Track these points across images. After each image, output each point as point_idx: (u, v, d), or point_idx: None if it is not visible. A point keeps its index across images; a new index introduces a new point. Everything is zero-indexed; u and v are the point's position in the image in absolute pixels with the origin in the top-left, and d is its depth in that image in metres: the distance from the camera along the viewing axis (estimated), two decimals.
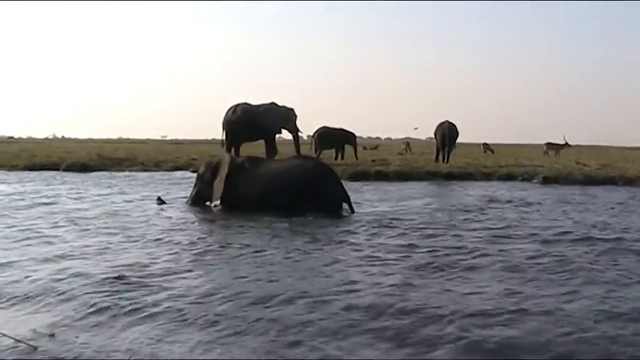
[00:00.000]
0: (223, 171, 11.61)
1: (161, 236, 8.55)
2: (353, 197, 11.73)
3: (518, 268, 6.71)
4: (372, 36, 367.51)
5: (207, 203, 11.86)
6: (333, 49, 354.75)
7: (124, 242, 8.12)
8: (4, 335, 4.34)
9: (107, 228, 9.25)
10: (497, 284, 6.05)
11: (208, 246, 7.91)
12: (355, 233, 9.01)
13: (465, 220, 10.61)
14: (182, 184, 16.69)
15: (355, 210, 11.22)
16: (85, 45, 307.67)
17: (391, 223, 9.97)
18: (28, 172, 21.41)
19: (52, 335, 4.44)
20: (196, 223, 10.12)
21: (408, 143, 49.35)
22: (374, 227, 9.50)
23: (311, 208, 10.68)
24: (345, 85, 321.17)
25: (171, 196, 13.72)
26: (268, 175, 11.32)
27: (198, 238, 8.46)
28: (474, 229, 9.49)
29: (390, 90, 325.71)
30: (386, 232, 9.08)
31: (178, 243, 8.06)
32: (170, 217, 10.56)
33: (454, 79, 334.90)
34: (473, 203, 13.16)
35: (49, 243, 8.00)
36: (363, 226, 9.63)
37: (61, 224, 9.58)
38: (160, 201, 12.61)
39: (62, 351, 4.18)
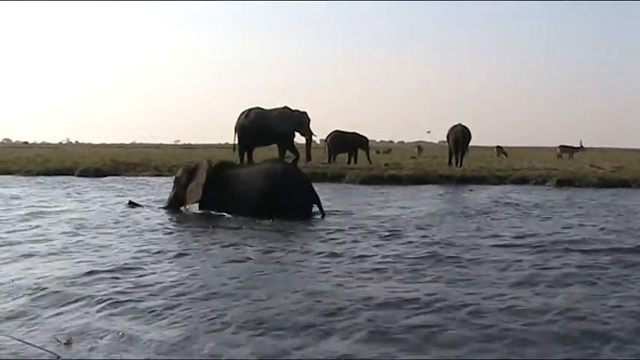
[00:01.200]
0: (201, 175, 11.77)
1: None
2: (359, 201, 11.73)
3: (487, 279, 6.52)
4: (384, 39, 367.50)
5: (182, 208, 12.08)
6: (346, 53, 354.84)
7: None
8: (27, 344, 4.38)
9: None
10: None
11: (158, 252, 7.94)
12: (317, 238, 9.09)
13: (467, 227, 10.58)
14: None
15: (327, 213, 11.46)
16: (99, 51, 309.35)
17: (354, 227, 10.00)
18: (41, 177, 21.56)
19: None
20: (159, 226, 10.19)
21: (419, 147, 49.36)
22: (336, 231, 9.55)
23: (283, 211, 10.84)
24: (358, 89, 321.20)
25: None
26: (241, 179, 11.55)
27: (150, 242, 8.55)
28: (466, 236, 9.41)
29: (402, 93, 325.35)
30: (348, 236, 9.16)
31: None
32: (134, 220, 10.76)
33: (467, 81, 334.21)
34: (476, 207, 13.22)
35: None
36: (330, 231, 9.67)
37: None
38: (132, 204, 12.81)
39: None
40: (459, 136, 26.27)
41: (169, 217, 11.31)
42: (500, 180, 20.46)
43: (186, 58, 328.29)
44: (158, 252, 7.80)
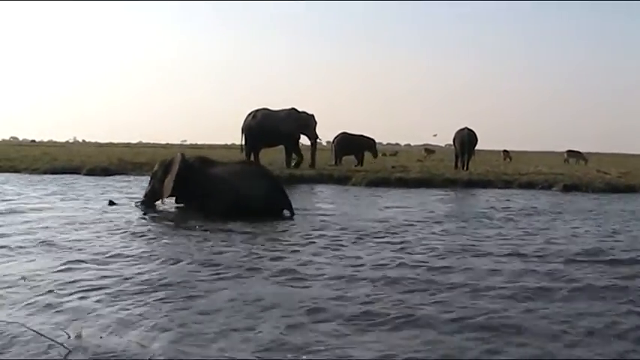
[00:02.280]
0: (174, 169, 11.84)
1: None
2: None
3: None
4: (393, 41, 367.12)
5: (158, 202, 12.18)
6: (354, 55, 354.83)
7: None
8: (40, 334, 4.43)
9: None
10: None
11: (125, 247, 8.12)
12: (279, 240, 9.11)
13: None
14: None
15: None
16: (107, 51, 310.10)
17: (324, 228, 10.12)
18: (47, 175, 21.60)
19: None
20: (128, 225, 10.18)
21: (427, 149, 49.44)
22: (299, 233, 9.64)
23: (253, 211, 11.03)
24: (365, 91, 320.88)
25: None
26: (214, 177, 11.68)
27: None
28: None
29: (409, 96, 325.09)
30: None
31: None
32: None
33: (475, 85, 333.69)
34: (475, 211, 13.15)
35: None
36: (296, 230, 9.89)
37: None
38: (111, 203, 12.94)
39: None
40: (465, 139, 26.22)
41: (141, 216, 11.36)
42: (506, 184, 20.40)
43: (195, 58, 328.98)
44: (116, 254, 7.65)
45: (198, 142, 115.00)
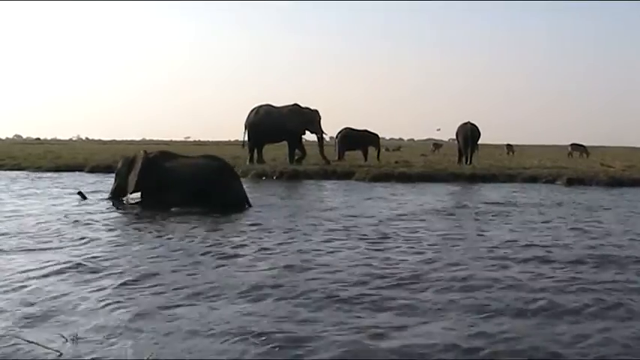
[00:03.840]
0: (137, 166, 12.23)
1: None
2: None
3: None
4: (395, 35, 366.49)
5: (123, 198, 12.58)
6: (356, 50, 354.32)
7: None
8: (31, 343, 4.38)
9: None
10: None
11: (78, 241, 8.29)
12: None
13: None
14: None
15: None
16: (111, 48, 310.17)
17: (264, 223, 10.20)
18: (51, 173, 21.68)
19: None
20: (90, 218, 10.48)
21: (435, 144, 49.59)
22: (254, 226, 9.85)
23: (214, 204, 11.40)
24: (368, 86, 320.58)
25: None
26: (176, 171, 12.02)
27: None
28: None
29: (413, 90, 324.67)
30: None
31: None
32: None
33: (478, 79, 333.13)
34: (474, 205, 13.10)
35: None
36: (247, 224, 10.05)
37: None
38: (82, 196, 13.19)
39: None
40: (469, 134, 26.16)
41: (105, 210, 11.67)
42: (510, 178, 20.34)
43: (198, 55, 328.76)
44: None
45: (202, 139, 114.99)
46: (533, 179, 20.18)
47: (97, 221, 10.06)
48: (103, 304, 5.31)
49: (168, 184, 11.80)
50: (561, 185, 19.03)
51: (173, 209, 11.20)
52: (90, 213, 11.01)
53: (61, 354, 4.19)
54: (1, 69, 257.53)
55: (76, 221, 9.92)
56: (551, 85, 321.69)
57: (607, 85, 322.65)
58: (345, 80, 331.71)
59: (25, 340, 4.36)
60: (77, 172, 21.93)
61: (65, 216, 10.54)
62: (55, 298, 5.47)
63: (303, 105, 24.52)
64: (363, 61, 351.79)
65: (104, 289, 5.79)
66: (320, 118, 24.73)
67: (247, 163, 23.69)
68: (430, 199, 14.33)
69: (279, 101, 24.59)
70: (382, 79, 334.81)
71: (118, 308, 5.20)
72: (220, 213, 10.98)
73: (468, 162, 25.78)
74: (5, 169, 23.24)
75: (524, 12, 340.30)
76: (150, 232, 9.06)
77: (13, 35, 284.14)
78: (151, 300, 5.47)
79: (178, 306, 5.30)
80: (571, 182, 19.28)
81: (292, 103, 24.52)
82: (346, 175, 20.49)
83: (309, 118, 24.36)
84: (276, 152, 27.96)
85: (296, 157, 24.15)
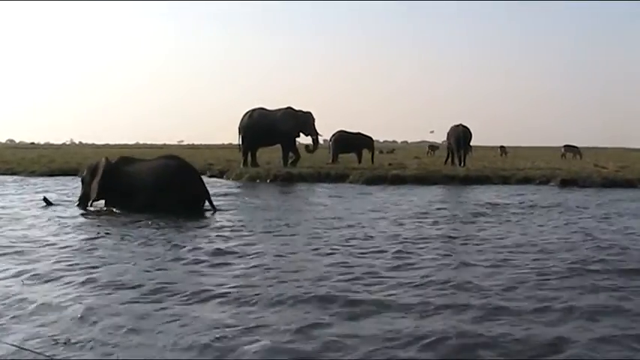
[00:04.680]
0: (98, 173, 12.32)
1: None
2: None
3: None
4: (388, 38, 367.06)
5: (89, 205, 12.59)
6: (350, 52, 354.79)
7: None
8: (19, 348, 4.34)
9: None
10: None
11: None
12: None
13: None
14: None
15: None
16: (103, 52, 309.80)
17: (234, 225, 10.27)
18: (44, 177, 21.64)
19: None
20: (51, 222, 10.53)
21: (431, 146, 49.81)
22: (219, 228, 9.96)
23: (175, 206, 11.46)
24: (361, 88, 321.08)
25: None
26: (135, 174, 12.07)
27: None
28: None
29: (405, 93, 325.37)
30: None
31: None
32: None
33: (471, 81, 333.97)
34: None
35: None
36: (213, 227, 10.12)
37: None
38: (47, 202, 13.12)
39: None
40: (461, 136, 26.33)
41: (69, 215, 11.63)
42: (504, 180, 20.34)
43: (191, 59, 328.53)
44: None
45: (196, 142, 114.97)
46: (527, 180, 20.19)
47: (47, 225, 10.12)
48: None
49: (130, 188, 11.84)
50: (555, 186, 19.05)
51: (135, 213, 11.15)
52: (50, 219, 10.92)
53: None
54: None
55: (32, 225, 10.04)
56: (544, 86, 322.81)
57: (600, 86, 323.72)
58: (338, 82, 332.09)
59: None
60: (71, 177, 21.81)
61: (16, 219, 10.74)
62: None
63: (296, 107, 24.56)
64: (356, 62, 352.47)
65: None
66: (314, 120, 24.77)
67: (241, 166, 23.75)
68: (419, 202, 14.30)
69: (273, 104, 24.70)
70: (375, 81, 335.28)
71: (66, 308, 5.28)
72: (185, 216, 10.97)
73: (462, 164, 25.82)
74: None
75: (520, 13, 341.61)
76: (103, 238, 8.99)
77: (3, 39, 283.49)
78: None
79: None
80: (565, 183, 19.29)
81: (286, 106, 24.54)
82: (340, 178, 20.45)
83: (302, 121, 24.39)
84: (271, 155, 27.95)
85: (290, 160, 24.16)
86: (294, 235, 9.41)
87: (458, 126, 26.81)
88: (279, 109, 24.42)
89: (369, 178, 20.03)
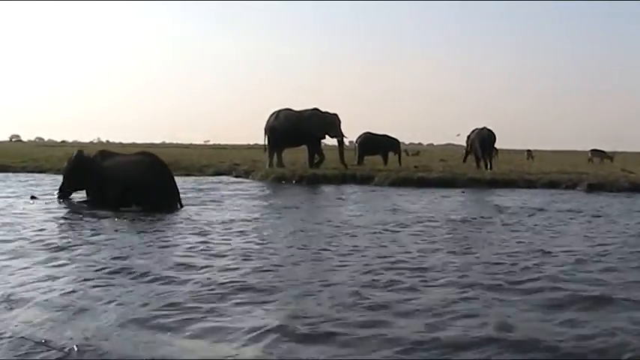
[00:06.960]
0: (68, 163, 12.96)
1: None
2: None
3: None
4: (415, 40, 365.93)
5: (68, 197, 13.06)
6: (376, 54, 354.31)
7: None
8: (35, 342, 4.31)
9: None
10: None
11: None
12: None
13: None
14: (199, 190, 17.03)
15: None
16: (133, 53, 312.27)
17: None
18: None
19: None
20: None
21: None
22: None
23: (146, 202, 11.70)
24: (388, 90, 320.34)
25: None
26: (109, 168, 12.27)
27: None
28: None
29: (433, 95, 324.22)
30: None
31: None
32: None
33: (498, 84, 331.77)
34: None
35: None
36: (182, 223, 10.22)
37: None
38: (34, 198, 13.51)
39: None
40: (486, 139, 26.24)
41: (53, 209, 11.81)
42: (529, 184, 20.20)
43: (218, 59, 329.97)
44: None
45: (222, 142, 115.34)
46: (553, 185, 20.04)
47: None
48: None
49: (105, 182, 12.06)
50: (582, 191, 18.88)
51: (106, 207, 11.41)
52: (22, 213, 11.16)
53: None
54: (26, 71, 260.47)
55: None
56: (573, 90, 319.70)
57: (629, 90, 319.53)
58: (365, 84, 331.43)
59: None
60: None
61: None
62: None
63: (323, 109, 24.62)
64: (383, 65, 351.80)
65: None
66: (340, 122, 24.82)
67: (267, 166, 23.85)
68: (449, 204, 14.28)
69: (299, 105, 24.78)
70: (402, 84, 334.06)
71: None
72: (159, 212, 11.20)
73: (488, 167, 25.71)
74: (27, 171, 23.54)
75: (552, 16, 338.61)
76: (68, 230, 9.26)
77: (35, 37, 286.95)
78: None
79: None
80: (592, 188, 19.13)
81: (312, 107, 24.64)
82: (365, 180, 20.48)
83: (329, 122, 24.45)
84: (296, 156, 28.01)
85: (315, 161, 24.21)
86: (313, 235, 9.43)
87: (482, 129, 26.73)
88: (306, 110, 24.53)
89: (395, 180, 20.01)
